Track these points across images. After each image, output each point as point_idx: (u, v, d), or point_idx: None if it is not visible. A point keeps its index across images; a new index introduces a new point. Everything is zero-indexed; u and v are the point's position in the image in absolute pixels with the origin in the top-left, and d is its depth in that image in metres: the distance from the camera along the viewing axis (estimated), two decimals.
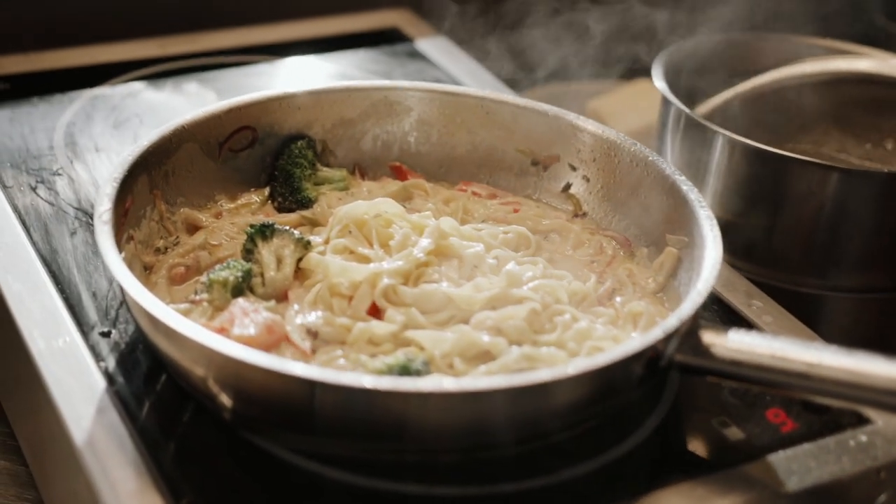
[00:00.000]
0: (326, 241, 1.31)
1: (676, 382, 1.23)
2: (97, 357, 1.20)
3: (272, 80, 1.80)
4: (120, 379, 1.18)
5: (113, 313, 1.27)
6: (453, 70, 1.86)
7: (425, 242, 1.28)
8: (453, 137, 1.50)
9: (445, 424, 1.06)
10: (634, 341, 1.10)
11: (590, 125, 1.44)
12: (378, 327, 1.19)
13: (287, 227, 1.29)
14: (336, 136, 1.48)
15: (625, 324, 1.26)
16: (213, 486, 1.08)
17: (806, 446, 1.17)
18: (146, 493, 1.06)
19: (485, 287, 1.24)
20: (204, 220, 1.36)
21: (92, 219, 1.41)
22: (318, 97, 1.46)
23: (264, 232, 1.28)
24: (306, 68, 1.84)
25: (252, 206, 1.42)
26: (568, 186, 1.46)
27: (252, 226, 1.29)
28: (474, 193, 1.47)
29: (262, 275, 1.26)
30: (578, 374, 1.05)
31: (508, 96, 1.49)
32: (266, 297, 1.25)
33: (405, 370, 1.12)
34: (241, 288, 1.24)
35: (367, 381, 1.03)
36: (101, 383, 1.17)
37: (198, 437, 1.13)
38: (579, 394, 1.08)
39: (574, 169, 1.45)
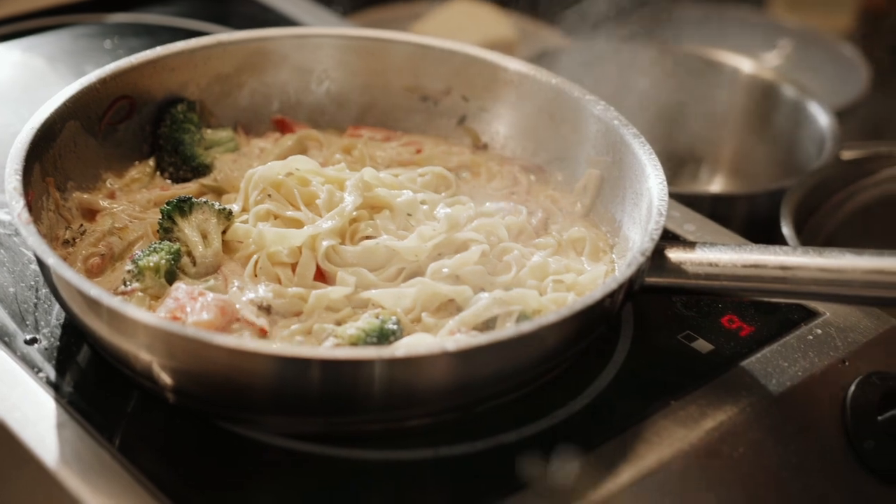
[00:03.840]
0: (245, 209, 1.23)
1: (630, 309, 1.23)
2: (34, 368, 1.10)
3: (98, 43, 1.67)
4: (68, 388, 1.08)
5: (31, 317, 1.15)
6: (286, 7, 1.78)
7: (352, 197, 1.22)
8: (335, 82, 1.43)
9: (450, 384, 1.03)
10: (622, 270, 1.09)
11: (482, 54, 1.39)
12: (334, 292, 1.13)
13: (205, 200, 1.21)
14: (213, 94, 1.38)
15: (567, 251, 1.24)
16: (201, 478, 1.02)
17: (773, 347, 1.19)
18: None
19: (429, 235, 1.19)
20: (100, 202, 1.25)
21: None
22: (193, 55, 1.36)
23: (182, 208, 1.19)
24: (134, 28, 1.71)
25: (143, 181, 1.31)
26: (463, 119, 1.42)
27: (168, 203, 1.20)
28: (369, 138, 1.41)
29: (189, 254, 1.18)
30: (581, 309, 1.03)
31: (390, 33, 1.43)
32: (199, 277, 1.17)
33: (383, 333, 1.07)
34: (174, 271, 1.15)
35: (390, 353, 0.98)
36: (48, 397, 1.07)
37: (173, 431, 1.06)
38: (572, 331, 1.06)
39: (467, 100, 1.41)
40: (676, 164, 1.84)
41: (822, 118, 1.70)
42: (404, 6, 2.07)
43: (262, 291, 1.14)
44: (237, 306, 1.12)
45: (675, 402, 1.12)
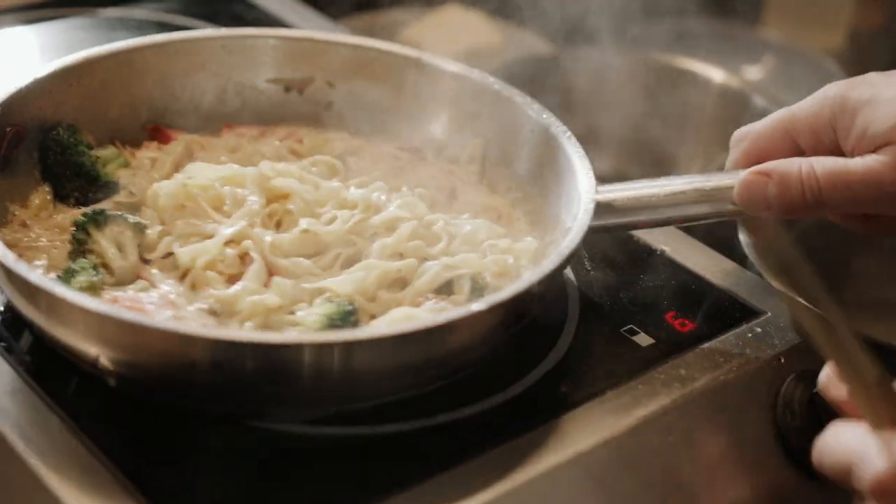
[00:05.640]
0: (167, 232, 1.21)
1: (578, 301, 1.27)
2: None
3: (89, 34, 1.71)
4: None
5: None
6: (273, 6, 1.82)
7: (255, 197, 1.23)
8: (200, 85, 1.41)
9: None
10: (577, 223, 1.15)
11: (339, 38, 1.42)
12: (269, 300, 1.12)
13: (119, 213, 1.20)
14: (85, 113, 1.34)
15: (482, 218, 1.29)
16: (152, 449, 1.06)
17: (712, 343, 1.21)
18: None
19: (348, 218, 1.22)
20: (18, 235, 1.22)
21: None
22: (66, 74, 1.32)
23: (97, 220, 1.18)
24: (124, 23, 1.75)
25: (48, 208, 1.27)
26: (330, 105, 1.43)
27: (84, 214, 1.19)
28: (248, 135, 1.40)
29: (104, 265, 1.16)
30: (552, 269, 1.10)
31: (247, 29, 1.44)
32: (117, 287, 1.16)
33: (345, 315, 1.11)
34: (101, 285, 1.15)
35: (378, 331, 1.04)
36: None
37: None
38: (541, 291, 1.12)
39: (332, 86, 1.42)
40: (647, 170, 1.88)
41: None
42: (393, 12, 2.11)
43: (202, 301, 1.14)
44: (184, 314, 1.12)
45: (611, 392, 1.15)
